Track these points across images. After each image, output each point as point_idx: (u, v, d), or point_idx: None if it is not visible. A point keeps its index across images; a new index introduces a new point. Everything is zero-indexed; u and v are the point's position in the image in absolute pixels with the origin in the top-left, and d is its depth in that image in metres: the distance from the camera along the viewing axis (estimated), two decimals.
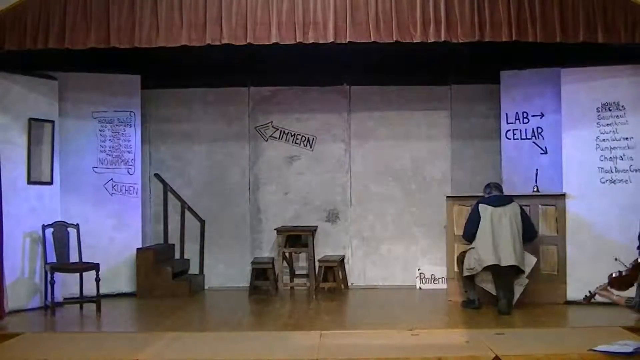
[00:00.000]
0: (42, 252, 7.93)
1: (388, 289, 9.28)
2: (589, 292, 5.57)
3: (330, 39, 6.96)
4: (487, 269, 7.51)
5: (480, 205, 7.65)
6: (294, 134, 9.69)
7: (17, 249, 7.78)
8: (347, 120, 9.65)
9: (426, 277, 9.19)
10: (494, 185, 7.91)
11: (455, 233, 8.24)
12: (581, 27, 6.86)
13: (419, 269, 9.22)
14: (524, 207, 7.77)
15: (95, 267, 7.88)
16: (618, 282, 5.56)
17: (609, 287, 5.56)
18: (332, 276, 8.90)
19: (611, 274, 5.59)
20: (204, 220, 9.60)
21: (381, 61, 8.99)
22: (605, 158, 7.83)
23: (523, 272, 7.57)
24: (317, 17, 6.93)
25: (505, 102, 8.79)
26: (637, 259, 5.50)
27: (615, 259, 5.71)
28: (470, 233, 7.66)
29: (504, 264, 7.45)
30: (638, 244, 5.46)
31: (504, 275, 7.47)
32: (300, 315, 7.56)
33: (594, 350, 5.31)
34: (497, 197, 7.72)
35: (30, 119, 8.03)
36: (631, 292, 5.81)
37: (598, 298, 5.58)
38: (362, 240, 9.57)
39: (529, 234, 7.67)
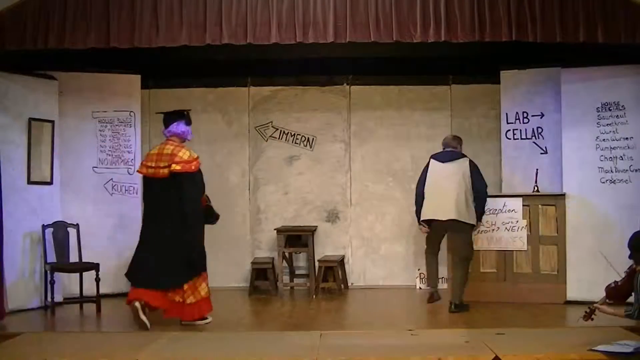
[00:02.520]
0: (42, 252, 7.93)
1: (388, 289, 9.28)
2: (588, 308, 5.56)
3: (330, 39, 6.96)
4: (432, 229, 7.72)
5: (431, 160, 7.82)
6: (294, 134, 9.69)
7: (17, 249, 7.77)
8: (347, 120, 9.65)
9: (426, 277, 9.17)
10: (447, 139, 8.01)
11: None
12: (581, 27, 6.85)
13: (419, 269, 9.21)
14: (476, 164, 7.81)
15: (95, 267, 7.88)
16: (615, 293, 5.55)
17: (607, 300, 5.54)
18: (332, 276, 8.90)
19: (607, 286, 5.58)
20: None
21: (381, 61, 9.00)
22: (605, 158, 7.83)
23: (467, 231, 7.63)
24: (317, 17, 6.93)
25: (505, 102, 8.79)
26: (630, 267, 5.49)
27: (606, 260, 5.71)
28: (418, 191, 7.76)
29: (443, 217, 7.52)
30: (629, 253, 5.45)
31: (453, 241, 7.64)
32: (300, 315, 7.56)
33: (594, 350, 5.32)
34: (447, 153, 7.83)
35: (30, 119, 8.03)
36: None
37: (598, 313, 5.55)
38: (362, 240, 9.56)
39: (476, 187, 7.65)
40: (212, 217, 7.24)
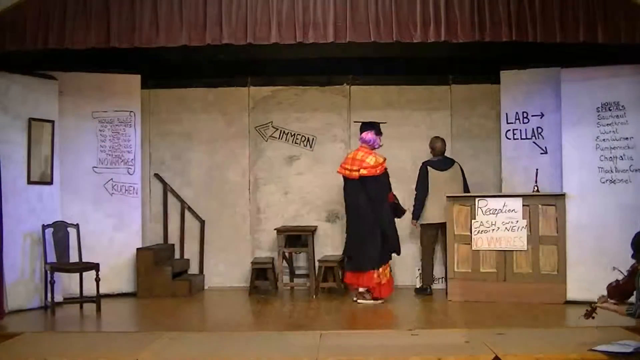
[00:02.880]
0: (42, 252, 7.93)
1: None
2: (590, 306, 5.55)
3: (330, 39, 6.96)
4: (430, 230, 8.72)
5: (428, 168, 8.71)
6: (294, 134, 9.69)
7: (17, 249, 7.78)
8: (347, 120, 9.65)
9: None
10: (440, 146, 8.81)
11: (455, 233, 8.25)
12: (581, 27, 6.85)
13: (418, 269, 9.20)
14: None
15: (95, 267, 7.88)
16: (616, 291, 5.54)
17: (608, 299, 5.54)
18: (332, 276, 8.89)
19: (609, 284, 5.58)
20: (204, 220, 9.61)
21: (381, 61, 9.00)
22: (605, 158, 7.83)
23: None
24: (317, 17, 6.93)
25: (505, 102, 8.79)
26: (632, 265, 5.49)
27: (614, 268, 5.70)
28: (421, 197, 8.67)
29: (440, 220, 8.52)
30: (632, 252, 5.45)
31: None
32: (300, 315, 7.56)
33: (594, 350, 5.32)
34: (442, 161, 8.74)
35: (30, 119, 8.03)
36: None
37: (599, 312, 5.54)
38: None
39: (466, 190, 8.68)
40: (399, 211, 8.42)
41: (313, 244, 9.02)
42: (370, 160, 8.05)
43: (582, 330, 5.98)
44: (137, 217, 9.04)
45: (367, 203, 8.02)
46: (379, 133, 8.27)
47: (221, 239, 9.64)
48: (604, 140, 7.84)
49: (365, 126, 8.30)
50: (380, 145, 8.28)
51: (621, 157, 7.75)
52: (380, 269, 8.04)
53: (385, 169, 8.17)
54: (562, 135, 8.08)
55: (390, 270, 8.30)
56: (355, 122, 8.72)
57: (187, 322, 7.44)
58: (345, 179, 8.22)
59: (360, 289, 8.13)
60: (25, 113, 7.99)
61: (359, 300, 8.11)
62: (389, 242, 8.11)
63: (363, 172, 8.01)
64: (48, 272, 7.76)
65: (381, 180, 8.10)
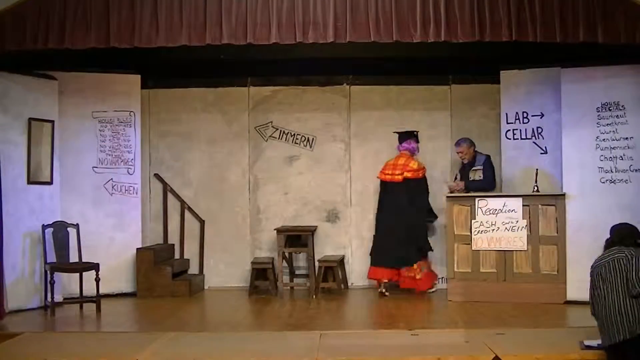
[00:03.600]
0: (42, 252, 7.93)
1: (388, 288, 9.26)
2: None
3: (330, 39, 6.95)
4: None
5: None
6: (294, 134, 9.69)
7: (17, 249, 7.78)
8: (347, 120, 9.65)
9: None
10: None
11: (455, 233, 8.24)
12: (581, 27, 6.84)
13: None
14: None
15: (95, 267, 7.88)
16: None
17: None
18: (332, 276, 8.90)
19: None
20: (203, 220, 9.61)
21: (381, 61, 9.00)
22: (605, 158, 7.83)
23: None
24: (317, 17, 6.92)
25: (505, 102, 8.80)
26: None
27: None
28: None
29: None
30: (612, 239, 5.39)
31: None
32: (300, 315, 7.56)
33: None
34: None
35: (30, 119, 8.03)
36: None
37: None
38: (362, 240, 9.55)
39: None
40: (432, 215, 8.96)
41: (313, 244, 9.02)
42: (414, 164, 8.66)
43: (582, 331, 5.98)
44: (137, 217, 9.04)
45: (408, 204, 8.56)
46: (418, 141, 8.89)
47: (221, 239, 9.64)
48: (604, 140, 7.84)
49: (406, 135, 8.86)
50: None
51: (621, 157, 7.75)
52: (415, 266, 8.52)
53: (425, 174, 8.78)
54: (562, 135, 8.08)
55: (429, 267, 8.79)
56: (394, 132, 9.02)
57: (187, 322, 7.44)
58: (385, 183, 8.77)
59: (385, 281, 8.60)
60: (25, 113, 7.99)
61: (430, 291, 8.71)
62: (421, 241, 8.64)
63: (407, 174, 8.60)
64: (48, 272, 7.76)
65: (423, 183, 8.73)
